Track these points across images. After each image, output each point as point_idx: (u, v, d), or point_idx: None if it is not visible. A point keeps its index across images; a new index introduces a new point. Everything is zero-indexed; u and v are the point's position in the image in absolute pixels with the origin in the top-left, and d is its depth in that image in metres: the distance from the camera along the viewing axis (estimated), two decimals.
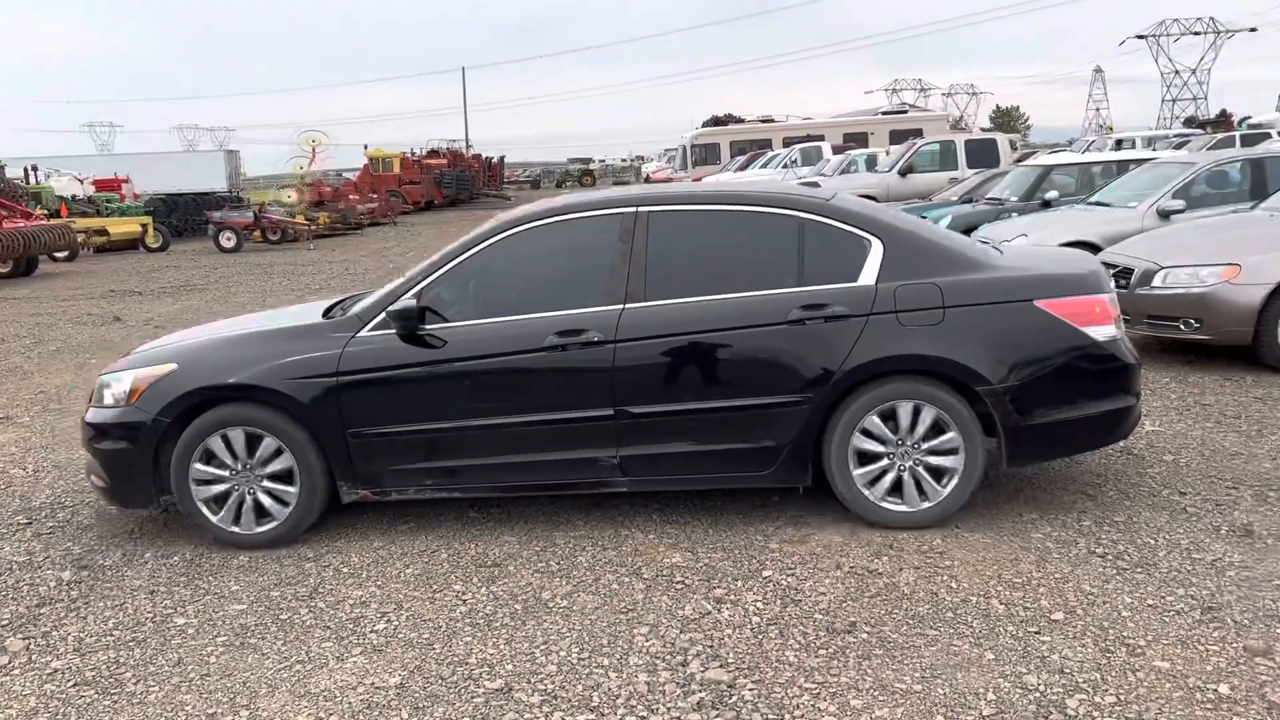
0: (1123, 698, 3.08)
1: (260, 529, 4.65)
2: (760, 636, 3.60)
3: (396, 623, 3.87)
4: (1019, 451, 4.51)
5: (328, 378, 4.54)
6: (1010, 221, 11.23)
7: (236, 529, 4.65)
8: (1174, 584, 3.85)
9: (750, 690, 3.24)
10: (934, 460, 4.46)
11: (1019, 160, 18.37)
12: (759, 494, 4.98)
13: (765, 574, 4.12)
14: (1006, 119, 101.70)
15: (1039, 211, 11.63)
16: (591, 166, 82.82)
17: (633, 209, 4.69)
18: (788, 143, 28.94)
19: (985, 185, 14.24)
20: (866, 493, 4.49)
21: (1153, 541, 4.25)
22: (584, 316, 4.52)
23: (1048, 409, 4.46)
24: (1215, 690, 3.09)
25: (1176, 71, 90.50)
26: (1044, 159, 15.19)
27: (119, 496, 4.79)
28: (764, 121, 35.37)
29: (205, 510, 4.64)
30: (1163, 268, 7.40)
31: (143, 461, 4.62)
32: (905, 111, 37.88)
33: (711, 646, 3.54)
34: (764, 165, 26.32)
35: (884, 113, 35.61)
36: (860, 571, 4.10)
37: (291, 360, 4.57)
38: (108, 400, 4.76)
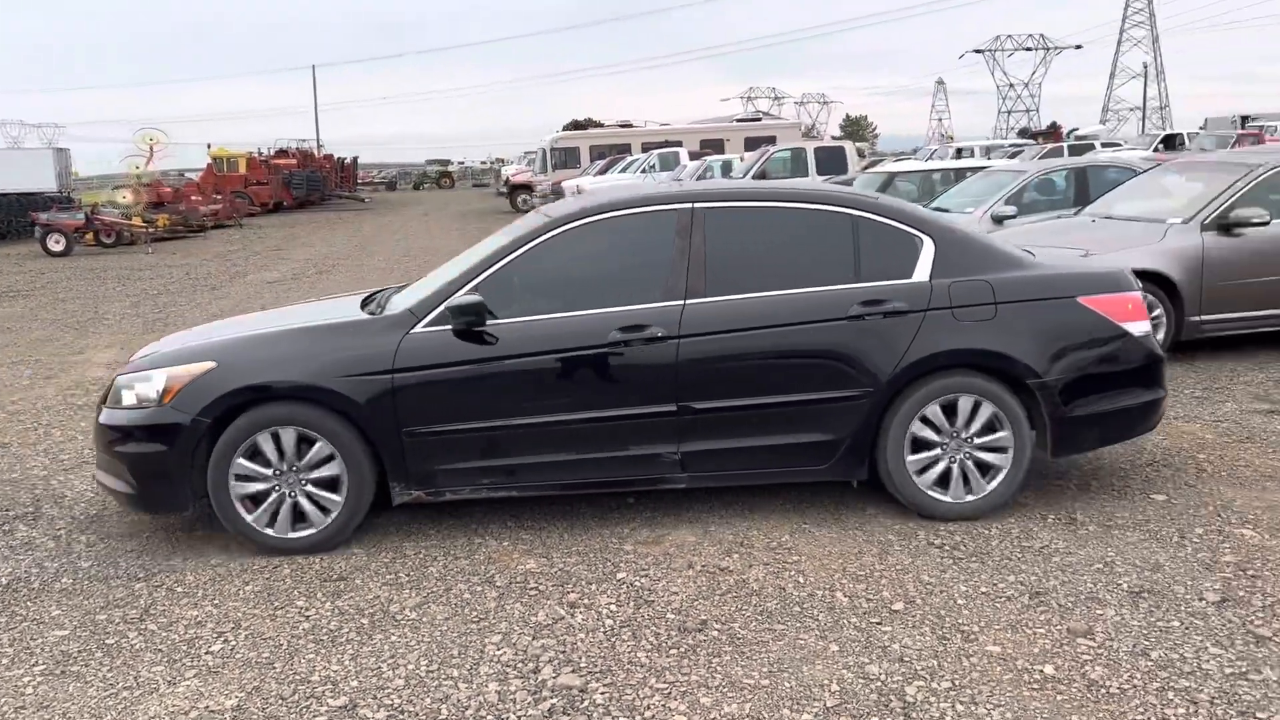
0: (957, 682, 3.21)
1: (299, 533, 4.46)
2: (613, 639, 3.59)
3: (234, 642, 3.69)
4: (1062, 443, 4.64)
5: (383, 374, 4.38)
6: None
7: (278, 533, 4.45)
8: (1005, 571, 4.04)
9: (602, 694, 3.23)
10: (983, 455, 4.57)
11: (867, 167, 19.08)
12: (615, 497, 4.98)
13: (619, 576, 4.12)
14: (856, 128, 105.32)
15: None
16: (450, 168, 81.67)
17: (689, 205, 4.67)
18: (646, 148, 29.21)
19: None
20: (916, 480, 4.55)
21: (987, 531, 4.45)
22: (646, 312, 4.48)
23: (1089, 401, 4.61)
24: (1041, 671, 3.26)
25: (1011, 85, 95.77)
26: (889, 166, 15.80)
27: (148, 501, 4.54)
28: (623, 126, 35.60)
29: (242, 512, 4.42)
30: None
31: (180, 463, 4.38)
32: (760, 119, 38.74)
33: (564, 652, 3.52)
34: (623, 170, 26.49)
35: (739, 120, 36.33)
36: (712, 570, 4.15)
37: (344, 356, 4.41)
38: (129, 401, 4.50)
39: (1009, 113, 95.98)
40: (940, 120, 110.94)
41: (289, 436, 4.38)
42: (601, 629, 3.67)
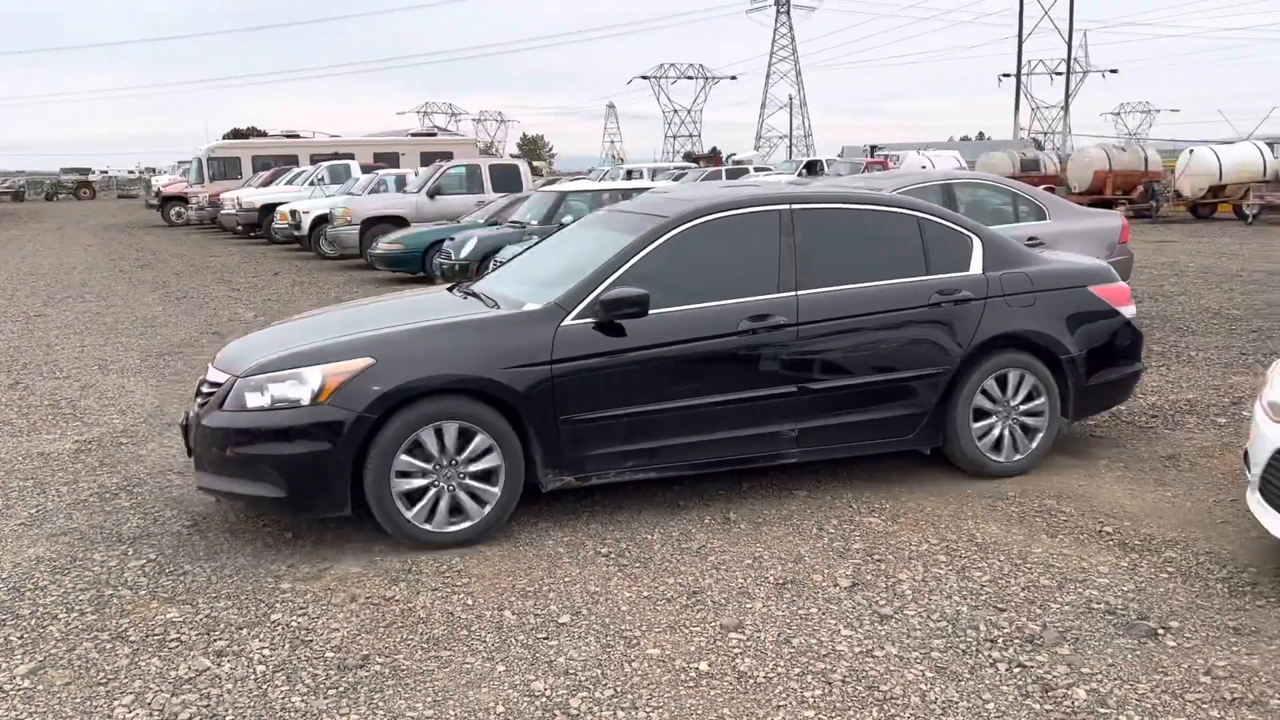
0: (619, 689, 3.28)
1: (457, 526, 4.50)
2: (265, 686, 3.34)
3: None
4: (1080, 409, 5.54)
5: (543, 365, 4.54)
6: (532, 244, 11.76)
7: (437, 527, 4.46)
8: (666, 574, 4.20)
9: None
10: (1028, 420, 5.34)
11: (545, 185, 19.38)
12: (274, 533, 4.67)
13: (274, 618, 3.85)
14: (533, 146, 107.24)
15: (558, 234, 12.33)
16: (91, 178, 73.71)
17: (786, 206, 5.15)
18: (315, 160, 27.96)
19: (510, 209, 14.81)
20: (979, 445, 5.24)
21: (649, 536, 4.62)
22: (769, 302, 4.92)
23: (1101, 373, 5.50)
24: (696, 668, 3.40)
25: (675, 111, 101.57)
26: (563, 185, 16.16)
27: (303, 504, 4.40)
28: (289, 137, 33.88)
29: (402, 508, 4.39)
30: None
31: (342, 462, 4.30)
32: (436, 134, 38.36)
33: (209, 706, 3.22)
34: (289, 182, 25.20)
35: (414, 134, 35.74)
36: (376, 601, 3.98)
37: (505, 348, 4.53)
38: (261, 403, 4.35)
39: (675, 137, 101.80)
40: (613, 142, 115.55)
41: (451, 430, 4.42)
42: (252, 676, 3.40)
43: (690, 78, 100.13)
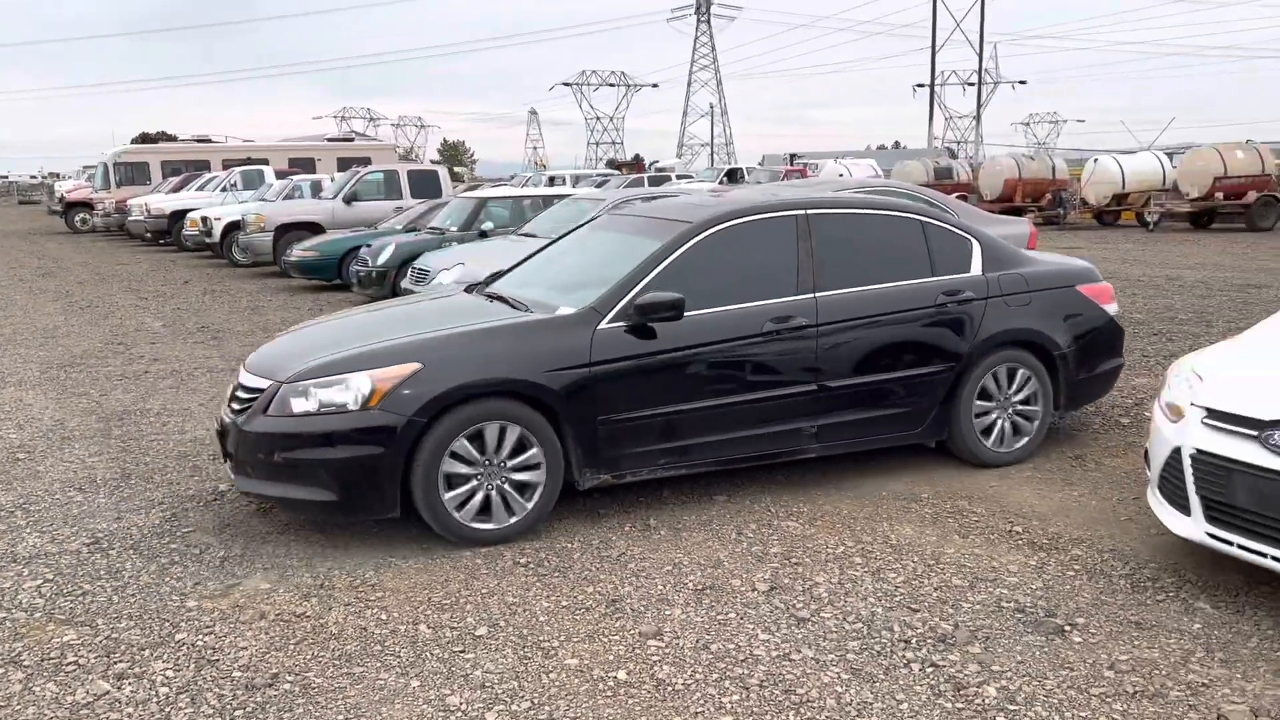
0: (536, 701, 3.24)
1: (502, 524, 4.58)
2: (168, 709, 3.22)
3: None
4: (1070, 402, 5.82)
5: (582, 367, 4.64)
6: (450, 250, 11.65)
7: (480, 525, 4.55)
8: (585, 583, 4.17)
9: None
10: (1024, 412, 5.63)
11: (468, 190, 19.20)
12: (181, 550, 4.52)
13: (179, 637, 3.72)
14: (454, 152, 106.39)
15: (476, 241, 12.23)
16: None
17: (802, 211, 5.33)
18: (228, 165, 27.28)
19: (428, 215, 14.64)
20: (979, 437, 5.52)
21: (569, 545, 4.58)
22: (790, 304, 5.10)
23: (1089, 367, 5.81)
24: (615, 677, 3.38)
25: (598, 118, 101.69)
26: (482, 192, 16.04)
27: (354, 506, 4.45)
28: (201, 141, 33.01)
29: (450, 508, 4.47)
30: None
31: (394, 464, 4.37)
32: (353, 139, 37.75)
33: None
34: (200, 188, 24.54)
35: (331, 139, 35.14)
36: (287, 617, 3.87)
37: (546, 351, 4.62)
38: (307, 408, 4.40)
39: (597, 144, 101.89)
40: (535, 148, 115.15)
41: (493, 431, 4.51)
42: (155, 699, 3.28)
43: (612, 85, 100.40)
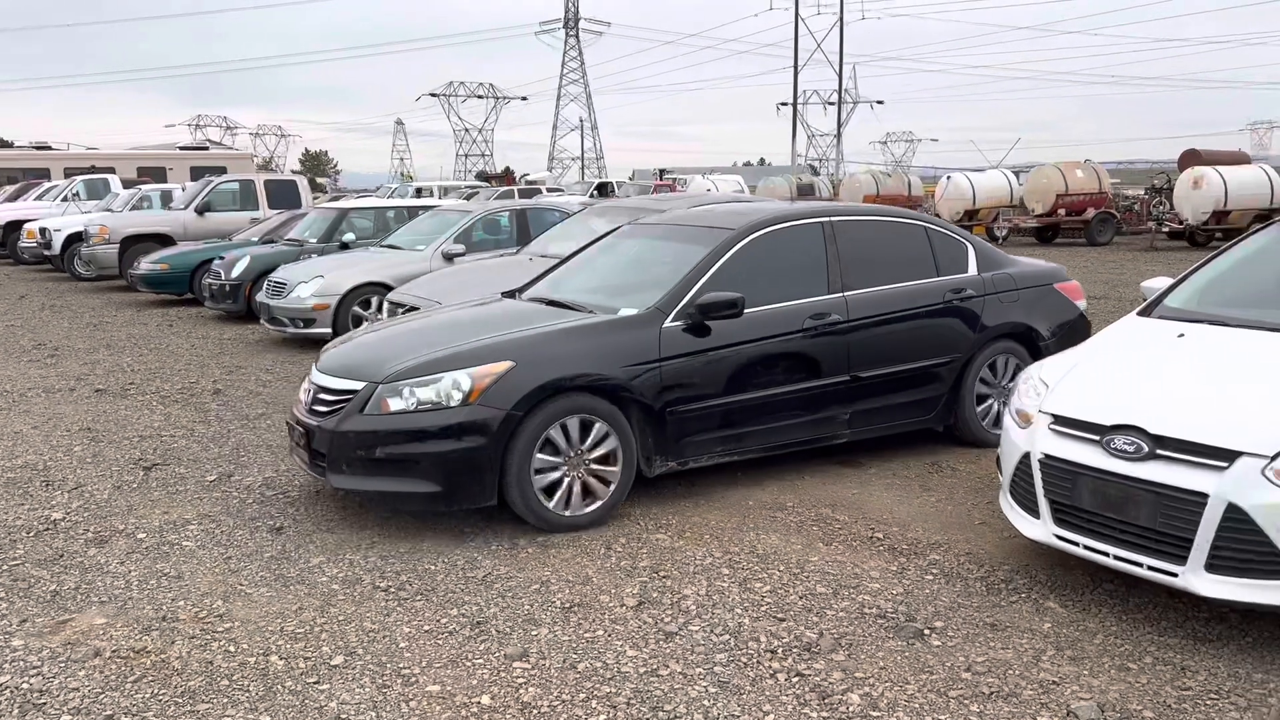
0: None
1: (584, 510, 4.89)
2: None
3: None
4: None
5: (654, 363, 5.02)
6: (310, 262, 11.27)
7: (567, 512, 4.83)
8: (449, 605, 4.04)
9: None
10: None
11: (333, 200, 18.60)
12: (5, 584, 4.17)
13: (1, 680, 3.42)
14: (317, 163, 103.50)
15: (338, 253, 11.87)
16: None
17: (827, 219, 5.87)
18: (70, 173, 25.79)
19: (286, 226, 14.14)
20: (981, 422, 6.13)
21: (433, 567, 4.44)
22: (825, 302, 5.59)
23: None
24: (479, 703, 3.27)
25: (466, 129, 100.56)
26: (344, 203, 15.60)
27: (456, 497, 4.69)
28: (39, 149, 31.09)
29: (540, 497, 4.76)
30: (445, 305, 7.96)
31: (493, 456, 4.64)
32: (208, 148, 36.23)
33: None
34: (39, 198, 23.10)
35: (184, 147, 33.62)
36: (124, 654, 3.61)
37: (622, 349, 4.98)
38: (404, 405, 4.68)
39: (466, 156, 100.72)
40: (402, 159, 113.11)
41: (574, 423, 4.81)
42: None
43: (481, 97, 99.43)
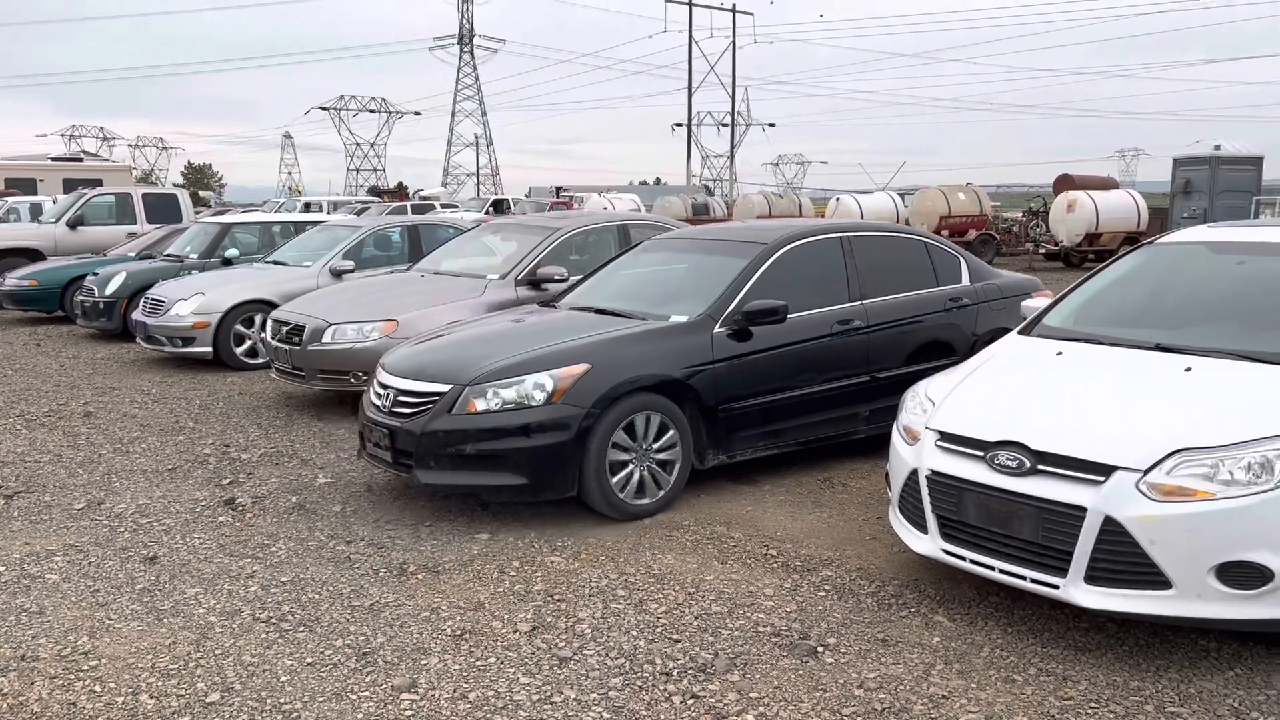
0: None
1: (649, 500, 5.31)
2: None
3: None
4: None
5: (708, 364, 5.47)
6: (190, 278, 10.84)
7: (637, 501, 5.25)
8: (334, 636, 3.88)
9: None
10: None
11: (217, 214, 17.93)
12: None
13: None
14: (200, 176, 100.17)
15: (220, 269, 11.46)
16: None
17: (844, 234, 6.41)
18: None
19: (165, 241, 13.60)
20: None
21: (317, 596, 4.27)
22: (848, 309, 6.10)
23: None
24: None
25: (358, 144, 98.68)
26: (228, 217, 15.08)
27: (541, 489, 5.05)
28: None
29: (615, 488, 5.15)
30: (331, 324, 7.74)
31: (575, 450, 5.00)
32: (82, 159, 34.64)
33: None
34: None
35: (56, 158, 32.07)
36: None
37: (682, 352, 5.42)
38: (489, 405, 5.01)
39: (358, 170, 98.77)
40: (290, 173, 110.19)
41: (640, 420, 5.25)
42: None
43: (372, 111, 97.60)
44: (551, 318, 6.15)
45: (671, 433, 5.36)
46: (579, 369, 5.13)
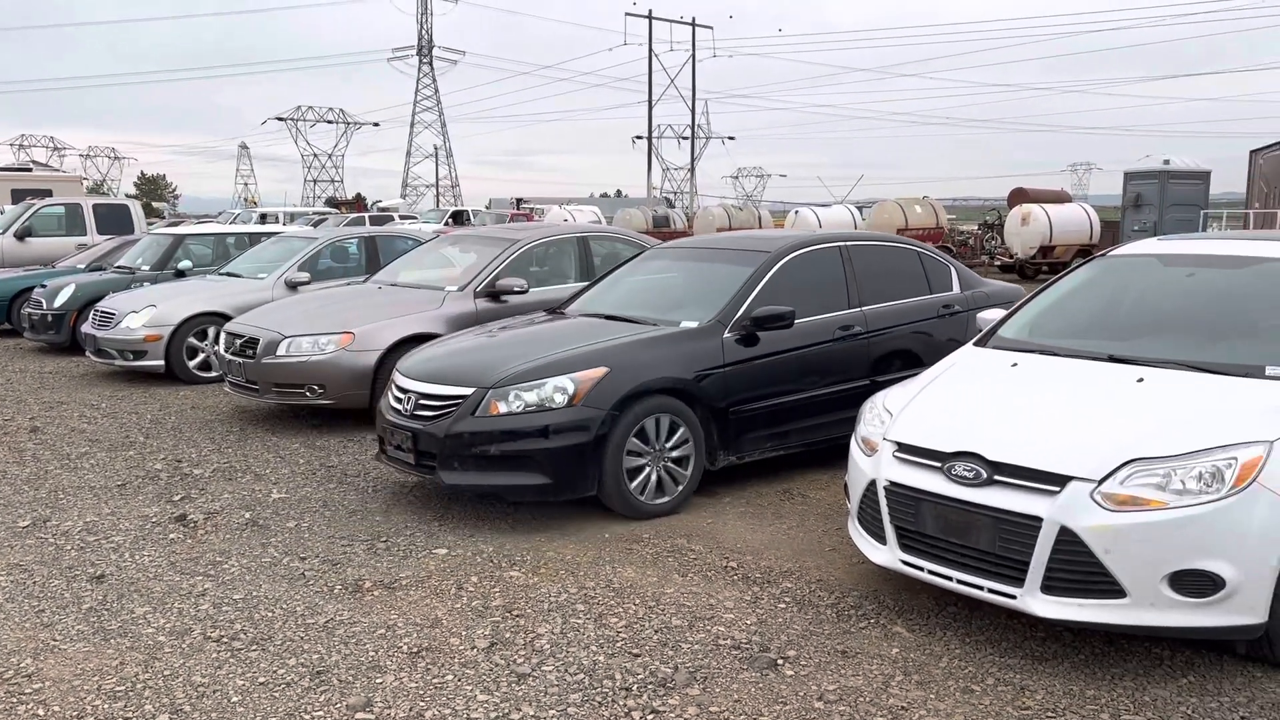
0: None
1: (664, 499, 5.48)
2: None
3: None
4: None
5: (719, 368, 5.62)
6: (141, 291, 10.66)
7: (655, 500, 5.44)
8: (287, 654, 3.81)
9: None
10: None
11: (171, 225, 17.66)
12: None
13: None
14: (154, 186, 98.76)
15: (172, 281, 11.28)
16: None
17: (842, 243, 6.61)
18: None
19: (117, 252, 13.37)
20: None
21: (270, 614, 4.19)
22: (848, 315, 6.31)
23: None
24: None
25: (315, 155, 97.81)
26: (182, 229, 14.86)
27: (563, 488, 5.21)
28: None
29: (631, 487, 5.33)
30: (286, 337, 7.63)
31: (596, 451, 5.18)
32: (31, 169, 33.97)
33: None
34: None
35: (4, 169, 31.43)
36: None
37: (693, 356, 5.57)
38: (511, 408, 5.17)
39: (315, 181, 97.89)
40: (246, 184, 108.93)
41: (652, 423, 5.39)
42: None
43: (330, 122, 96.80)
44: (563, 324, 6.31)
45: (683, 433, 5.52)
46: (598, 372, 5.29)
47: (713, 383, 5.63)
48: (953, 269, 7.19)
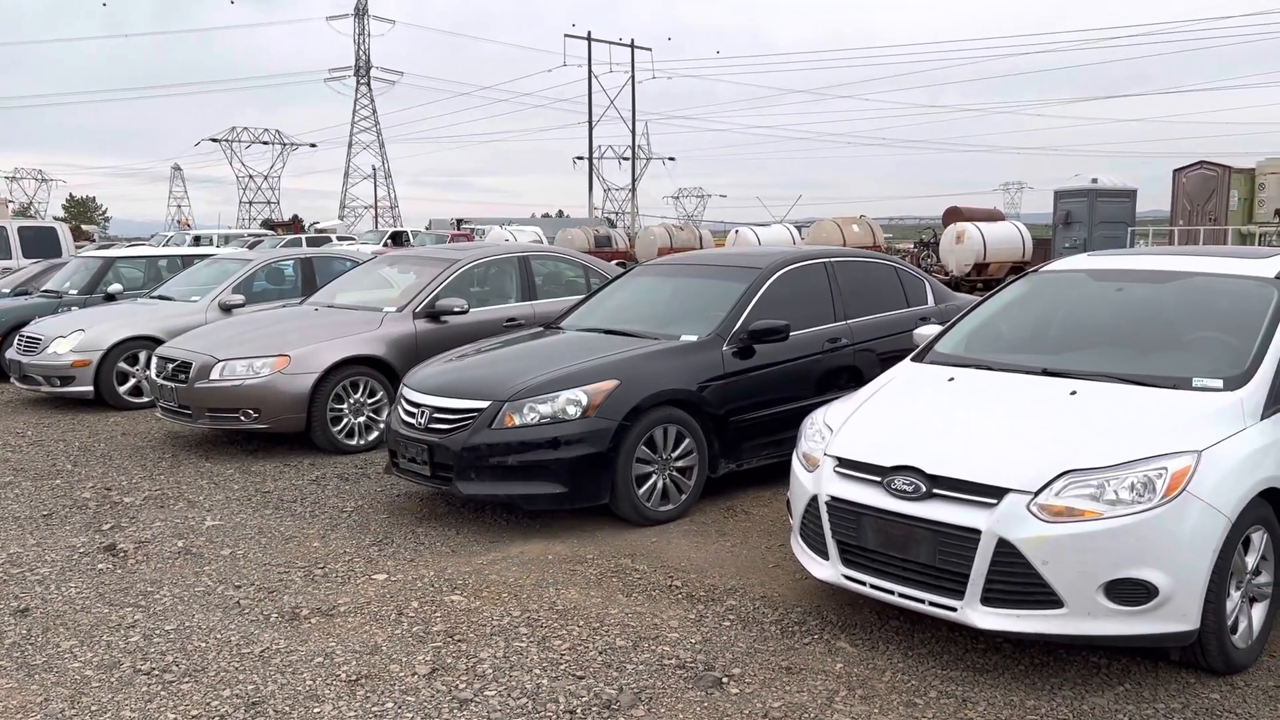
0: None
1: (669, 506, 5.72)
2: None
3: None
4: None
5: (720, 379, 5.89)
6: (69, 315, 10.38)
7: (659, 507, 5.65)
8: (221, 686, 3.70)
9: None
10: None
11: (102, 248, 17.24)
12: None
13: None
14: (83, 209, 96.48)
15: (102, 305, 11.00)
16: None
17: (827, 259, 6.90)
18: None
19: (43, 276, 13.00)
20: None
21: (203, 644, 4.07)
22: (835, 328, 6.60)
23: None
24: None
25: (251, 176, 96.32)
26: (113, 251, 14.51)
27: (579, 496, 5.40)
28: None
29: (640, 495, 5.55)
30: (220, 360, 7.47)
31: (609, 460, 5.38)
32: None
33: None
34: None
35: None
36: None
37: (697, 368, 5.84)
38: (527, 420, 5.35)
39: (251, 203, 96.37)
40: (179, 206, 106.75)
41: (660, 432, 5.58)
42: None
43: (266, 143, 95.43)
44: (564, 338, 6.49)
45: (688, 442, 5.74)
46: (610, 384, 5.48)
47: (714, 393, 5.85)
48: (927, 283, 7.50)
